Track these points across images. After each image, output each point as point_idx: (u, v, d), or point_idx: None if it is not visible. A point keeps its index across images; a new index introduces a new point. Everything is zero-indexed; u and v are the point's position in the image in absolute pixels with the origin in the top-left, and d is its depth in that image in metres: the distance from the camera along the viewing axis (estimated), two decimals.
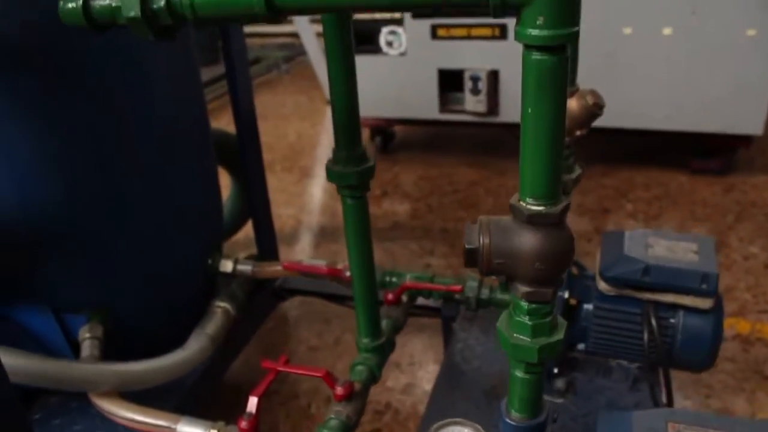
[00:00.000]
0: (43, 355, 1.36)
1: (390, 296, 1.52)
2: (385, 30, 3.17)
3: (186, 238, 1.66)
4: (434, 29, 3.08)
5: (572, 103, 1.27)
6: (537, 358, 0.81)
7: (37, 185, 1.36)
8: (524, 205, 0.76)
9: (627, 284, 1.40)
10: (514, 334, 0.82)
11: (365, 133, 3.81)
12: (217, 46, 4.09)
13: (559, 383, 1.50)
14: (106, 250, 1.49)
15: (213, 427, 1.23)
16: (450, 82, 3.17)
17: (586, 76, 2.89)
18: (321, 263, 1.67)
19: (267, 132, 4.13)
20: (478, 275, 1.64)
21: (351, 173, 1.15)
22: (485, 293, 1.60)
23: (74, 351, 1.52)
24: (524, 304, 0.82)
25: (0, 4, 1.21)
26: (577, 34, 0.68)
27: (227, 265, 1.77)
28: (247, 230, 2.29)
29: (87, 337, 1.49)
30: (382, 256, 2.70)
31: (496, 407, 0.94)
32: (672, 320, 1.40)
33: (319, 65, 4.38)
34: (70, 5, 0.87)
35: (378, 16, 3.11)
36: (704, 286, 1.34)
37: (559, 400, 1.50)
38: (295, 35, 5.14)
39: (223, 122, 2.64)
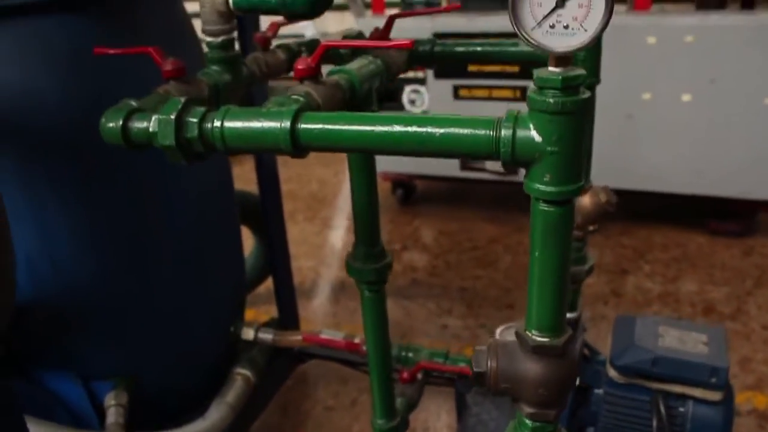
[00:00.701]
0: (71, 428, 1.42)
1: (405, 375, 1.57)
2: (408, 88, 3.25)
3: (210, 309, 1.72)
4: (456, 89, 3.15)
5: (585, 200, 1.32)
6: None
7: (71, 263, 1.44)
8: (530, 335, 0.81)
9: (636, 373, 1.43)
10: None
11: (386, 186, 3.89)
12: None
13: None
14: (134, 323, 1.56)
15: None
16: None
17: (605, 137, 2.96)
18: (339, 336, 1.72)
19: (289, 179, 4.22)
20: None
21: (370, 270, 1.21)
22: None
23: (99, 416, 1.58)
24: (528, 422, 0.86)
25: (52, 103, 1.30)
26: (580, 188, 0.73)
27: (249, 333, 1.83)
28: (269, 283, 2.35)
29: (112, 404, 1.55)
30: (399, 315, 2.74)
31: None
32: (681, 409, 1.43)
33: None
34: (110, 125, 0.95)
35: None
36: (713, 380, 1.37)
37: None
38: None
39: (246, 167, 2.70)
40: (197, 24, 1.35)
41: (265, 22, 1.26)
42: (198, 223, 1.61)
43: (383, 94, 1.33)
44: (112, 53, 1.14)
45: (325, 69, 1.00)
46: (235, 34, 1.19)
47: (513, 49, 1.27)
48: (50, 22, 1.33)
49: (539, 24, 0.66)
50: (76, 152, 1.37)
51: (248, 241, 2.55)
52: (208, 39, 1.16)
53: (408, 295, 2.90)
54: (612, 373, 1.46)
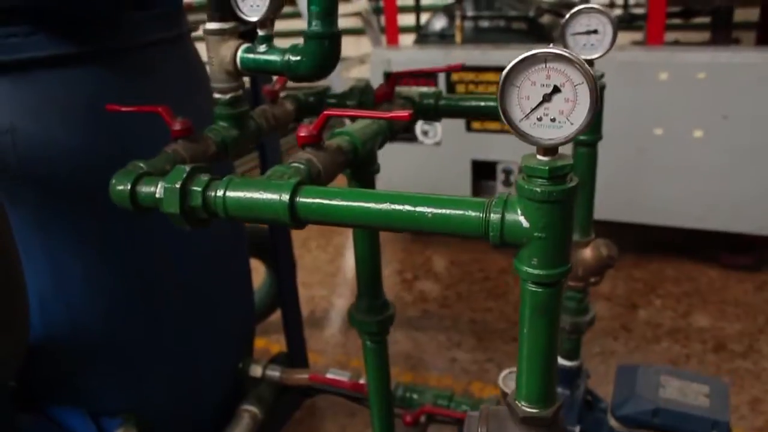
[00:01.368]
0: None
1: (408, 418, 1.58)
2: (421, 120, 3.28)
3: (218, 347, 1.75)
4: (469, 122, 3.18)
5: (587, 253, 1.33)
6: None
7: (83, 304, 1.48)
8: (519, 405, 0.83)
9: (637, 424, 1.44)
10: None
11: None
12: None
13: None
14: (143, 361, 1.59)
15: None
16: (483, 172, 3.26)
17: (617, 171, 2.98)
18: (345, 376, 1.74)
19: None
20: (496, 398, 1.69)
21: (372, 322, 1.23)
22: None
23: None
24: None
25: (69, 152, 1.34)
26: (568, 270, 0.75)
27: (257, 370, 1.85)
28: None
29: None
30: (409, 347, 2.75)
31: None
32: None
33: None
34: (119, 187, 0.99)
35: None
36: None
37: None
38: None
39: None
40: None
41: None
42: (208, 263, 1.64)
43: None
44: (123, 111, 1.18)
45: None
46: (245, 87, 1.23)
47: None
48: (69, 74, 1.37)
49: (527, 116, 0.68)
50: (91, 199, 1.40)
51: (260, 269, 2.59)
52: (217, 96, 1.20)
53: (418, 326, 2.91)
54: (613, 422, 1.46)
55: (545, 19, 3.52)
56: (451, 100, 1.33)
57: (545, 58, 0.65)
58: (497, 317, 2.95)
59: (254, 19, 1.09)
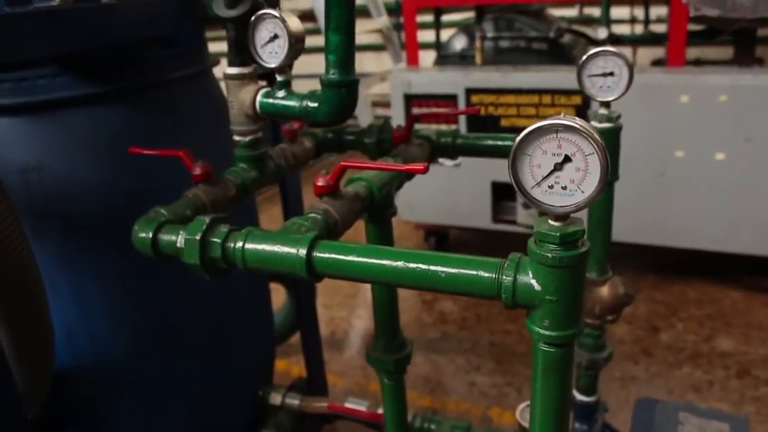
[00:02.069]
0: None
1: None
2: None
3: (238, 377, 1.77)
4: None
5: (603, 291, 1.33)
6: None
7: (107, 336, 1.51)
8: None
9: None
10: None
11: (419, 234, 3.92)
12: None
13: None
14: (165, 392, 1.61)
15: None
16: (503, 193, 3.26)
17: (638, 193, 2.96)
18: (363, 406, 1.75)
19: None
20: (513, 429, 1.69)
21: (389, 361, 1.24)
22: None
23: None
24: None
25: (94, 188, 1.38)
26: (580, 331, 0.76)
27: (276, 398, 1.87)
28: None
29: None
30: (428, 370, 2.76)
31: None
32: None
33: None
34: (141, 235, 1.01)
35: (434, 127, 3.23)
36: None
37: None
38: None
39: (274, 211, 2.74)
40: None
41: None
42: (229, 293, 1.66)
43: None
44: (146, 153, 1.21)
45: None
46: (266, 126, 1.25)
47: None
48: (95, 113, 1.40)
49: (538, 184, 0.69)
50: (115, 234, 1.43)
51: (279, 289, 2.61)
52: (237, 138, 1.23)
53: (438, 349, 2.91)
54: None
55: (566, 39, 3.52)
56: (468, 139, 1.34)
57: (556, 129, 0.66)
58: (517, 340, 2.94)
59: (273, 65, 1.11)
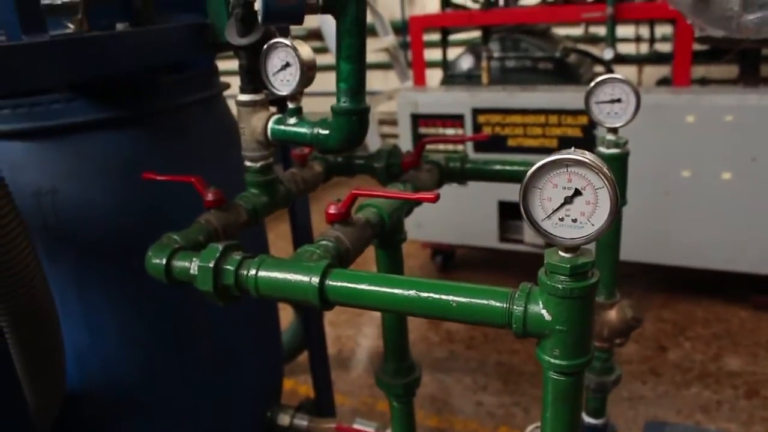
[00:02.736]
0: None
1: None
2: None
3: (247, 397, 1.78)
4: None
5: (612, 314, 1.34)
6: None
7: (118, 358, 1.52)
8: None
9: None
10: None
11: (426, 252, 3.93)
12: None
13: None
14: (175, 413, 1.62)
15: None
16: (510, 212, 3.27)
17: (645, 212, 2.96)
18: (371, 427, 1.75)
19: None
20: None
21: (399, 385, 1.25)
22: None
23: None
24: None
25: (106, 213, 1.39)
26: (590, 360, 0.77)
27: (284, 419, 1.87)
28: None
29: None
30: (435, 389, 2.75)
31: None
32: None
33: None
34: (155, 261, 1.03)
35: (441, 147, 3.26)
36: None
37: None
38: None
39: (282, 227, 2.76)
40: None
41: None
42: (238, 316, 1.67)
43: None
44: (159, 179, 1.22)
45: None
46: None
47: None
48: (108, 137, 1.42)
49: (549, 216, 0.70)
50: (127, 257, 1.45)
51: (286, 308, 2.62)
52: (248, 164, 1.24)
53: (445, 368, 2.91)
54: None
55: (571, 58, 3.55)
56: (476, 163, 1.36)
57: (567, 164, 0.67)
58: (524, 359, 2.94)
59: (285, 93, 1.13)
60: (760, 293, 3.22)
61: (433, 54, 4.26)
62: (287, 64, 1.12)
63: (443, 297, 0.79)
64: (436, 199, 0.92)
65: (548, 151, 3.05)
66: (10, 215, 1.03)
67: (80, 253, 1.44)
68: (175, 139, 1.53)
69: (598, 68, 4.12)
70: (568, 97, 3.02)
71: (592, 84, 1.21)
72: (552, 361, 0.75)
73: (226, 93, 1.72)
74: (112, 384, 1.54)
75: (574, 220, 0.70)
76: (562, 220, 0.70)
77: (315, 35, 4.85)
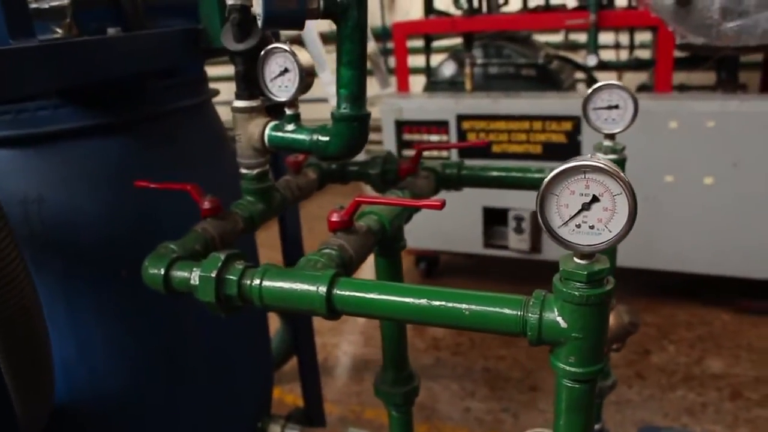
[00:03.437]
0: None
1: None
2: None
3: (238, 408, 1.75)
4: None
5: (609, 320, 1.33)
6: None
7: (105, 370, 1.48)
8: None
9: None
10: None
11: (410, 259, 3.92)
12: None
13: None
14: (164, 422, 1.58)
15: None
16: (494, 218, 3.27)
17: None
18: None
19: (313, 247, 4.26)
20: None
21: (398, 394, 1.23)
22: None
23: None
24: None
25: (94, 221, 1.36)
26: (603, 367, 0.76)
27: (275, 429, 1.84)
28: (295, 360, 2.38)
29: None
30: (423, 397, 2.72)
31: None
32: None
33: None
34: (153, 271, 1.00)
35: (426, 153, 3.25)
36: None
37: None
38: None
39: (271, 232, 2.72)
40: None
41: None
42: (229, 324, 1.64)
43: None
44: (152, 187, 1.20)
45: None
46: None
47: (538, 175, 1.31)
48: (96, 144, 1.39)
49: (566, 223, 0.69)
50: (116, 267, 1.42)
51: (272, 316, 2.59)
52: (244, 171, 1.22)
53: (432, 375, 2.90)
54: None
55: (553, 65, 3.57)
56: (473, 170, 1.35)
57: (584, 170, 0.67)
58: (510, 365, 2.94)
59: (284, 99, 1.12)
60: (741, 296, 3.26)
61: (415, 61, 4.26)
62: (285, 70, 1.10)
63: (455, 305, 0.78)
64: (442, 206, 0.91)
65: (533, 157, 3.09)
66: None
67: (68, 262, 1.41)
68: (164, 146, 1.50)
69: (579, 75, 4.16)
70: (552, 103, 3.04)
71: (590, 90, 1.21)
72: (567, 368, 0.75)
73: (214, 100, 1.70)
74: (101, 396, 1.51)
75: (591, 227, 0.69)
76: (579, 226, 0.69)
77: (296, 42, 4.83)
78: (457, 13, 3.66)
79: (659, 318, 3.29)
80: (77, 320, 1.46)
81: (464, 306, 0.77)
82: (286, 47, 1.09)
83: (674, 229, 3.02)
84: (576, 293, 0.70)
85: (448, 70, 3.75)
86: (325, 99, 4.34)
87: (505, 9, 3.88)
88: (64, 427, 1.51)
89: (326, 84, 4.03)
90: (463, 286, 2.65)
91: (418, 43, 4.13)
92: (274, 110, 1.26)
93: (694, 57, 3.39)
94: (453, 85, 3.59)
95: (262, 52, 1.11)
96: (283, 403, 2.70)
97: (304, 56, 1.09)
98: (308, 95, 1.13)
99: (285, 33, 1.22)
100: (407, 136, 3.30)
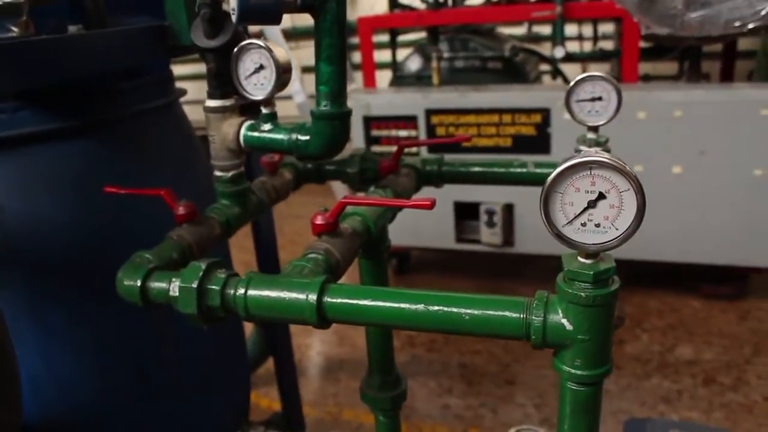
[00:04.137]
0: None
1: None
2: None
3: (216, 416, 1.69)
4: None
5: None
6: None
7: (76, 384, 1.42)
8: None
9: None
10: None
11: None
12: None
13: None
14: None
15: None
16: (466, 213, 3.25)
17: None
18: None
19: (283, 247, 4.20)
20: None
21: (386, 399, 1.20)
22: None
23: None
24: None
25: (58, 228, 1.29)
26: (610, 370, 0.73)
27: None
28: (268, 364, 2.35)
29: None
30: None
31: None
32: None
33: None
34: (128, 283, 0.95)
35: (395, 149, 3.22)
36: None
37: None
38: None
39: (240, 232, 2.66)
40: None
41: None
42: (205, 334, 1.59)
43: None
44: (123, 193, 1.14)
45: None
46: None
47: (521, 170, 1.28)
48: (58, 148, 1.32)
49: (570, 222, 0.66)
50: (83, 277, 1.36)
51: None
52: (218, 173, 1.17)
53: (408, 372, 2.87)
54: None
55: (520, 57, 3.56)
56: (453, 166, 1.32)
57: (590, 166, 0.64)
58: (487, 360, 2.93)
59: (260, 97, 1.07)
60: (710, 283, 3.30)
61: (379, 56, 4.22)
62: (261, 67, 1.05)
63: (454, 310, 0.74)
64: (432, 205, 0.88)
65: (503, 150, 3.07)
66: None
67: (32, 273, 1.34)
68: (130, 149, 1.44)
69: (544, 67, 4.17)
70: (522, 95, 3.03)
71: (572, 82, 1.19)
72: (573, 371, 0.72)
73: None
74: (71, 412, 1.44)
75: (597, 225, 0.66)
76: (584, 225, 0.67)
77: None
78: (422, 6, 3.63)
79: (631, 307, 3.31)
80: (44, 334, 1.39)
81: (463, 310, 0.74)
82: (261, 43, 1.04)
83: (645, 219, 3.04)
84: (582, 294, 0.68)
85: (414, 64, 3.72)
86: (288, 96, 4.28)
87: (469, 2, 3.86)
88: None
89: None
90: (437, 282, 2.65)
91: (383, 37, 4.09)
92: (248, 109, 1.21)
93: (658, 47, 3.42)
94: (419, 80, 3.56)
95: (236, 49, 1.06)
96: (258, 408, 2.64)
97: (280, 52, 1.04)
98: None
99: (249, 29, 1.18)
100: (375, 132, 3.26)
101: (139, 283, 0.92)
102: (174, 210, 1.08)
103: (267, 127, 1.08)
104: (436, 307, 0.75)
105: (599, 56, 3.67)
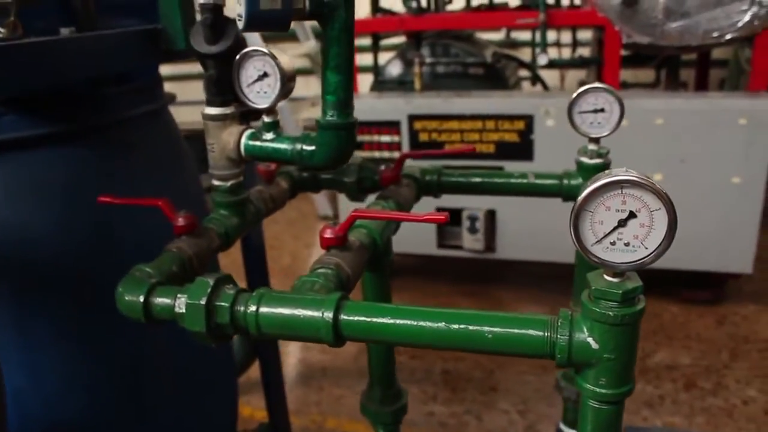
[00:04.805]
0: None
1: None
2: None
3: (203, 425, 1.66)
4: None
5: None
6: None
7: (61, 398, 1.37)
8: None
9: None
10: None
11: None
12: None
13: None
14: None
15: None
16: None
17: None
18: None
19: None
20: None
21: (387, 413, 1.18)
22: None
23: None
24: None
25: (44, 237, 1.25)
26: (633, 388, 0.73)
27: None
28: (250, 372, 2.32)
29: None
30: None
31: None
32: None
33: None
34: (130, 298, 0.91)
35: (377, 154, 3.21)
36: None
37: None
38: None
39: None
40: None
41: None
42: (192, 346, 1.55)
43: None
44: (118, 203, 1.10)
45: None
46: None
47: (520, 180, 1.28)
48: (44, 155, 1.28)
49: (599, 241, 0.65)
50: (70, 287, 1.31)
51: None
52: (217, 183, 1.14)
53: None
54: None
55: (501, 63, 3.57)
56: (452, 176, 1.31)
57: (622, 185, 0.63)
58: (471, 366, 2.92)
59: (263, 106, 1.04)
60: (688, 288, 3.34)
61: (359, 60, 4.20)
62: (264, 74, 1.03)
63: (477, 328, 0.73)
64: (447, 219, 0.86)
65: (486, 156, 3.07)
66: None
67: (17, 283, 1.29)
68: (120, 155, 1.40)
69: (524, 72, 4.19)
70: (504, 102, 3.03)
71: (575, 94, 1.19)
72: (597, 390, 0.71)
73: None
74: (56, 427, 1.40)
75: (627, 244, 0.65)
76: (613, 243, 0.66)
77: None
78: (403, 11, 3.62)
79: None
80: (28, 346, 1.34)
81: (486, 328, 0.73)
82: (265, 50, 1.01)
83: None
84: (610, 313, 0.67)
85: (396, 69, 3.71)
86: None
87: (449, 8, 3.86)
88: None
89: None
90: (419, 287, 2.63)
91: (364, 42, 4.07)
92: (245, 117, 1.18)
93: (637, 55, 3.46)
94: (401, 85, 3.55)
95: (238, 56, 1.03)
96: (241, 417, 2.60)
97: (284, 60, 1.02)
98: None
99: None
100: (358, 138, 3.23)
101: (142, 299, 0.89)
102: (173, 221, 1.05)
103: (269, 136, 1.06)
104: (458, 326, 0.73)
105: (578, 63, 3.70)
